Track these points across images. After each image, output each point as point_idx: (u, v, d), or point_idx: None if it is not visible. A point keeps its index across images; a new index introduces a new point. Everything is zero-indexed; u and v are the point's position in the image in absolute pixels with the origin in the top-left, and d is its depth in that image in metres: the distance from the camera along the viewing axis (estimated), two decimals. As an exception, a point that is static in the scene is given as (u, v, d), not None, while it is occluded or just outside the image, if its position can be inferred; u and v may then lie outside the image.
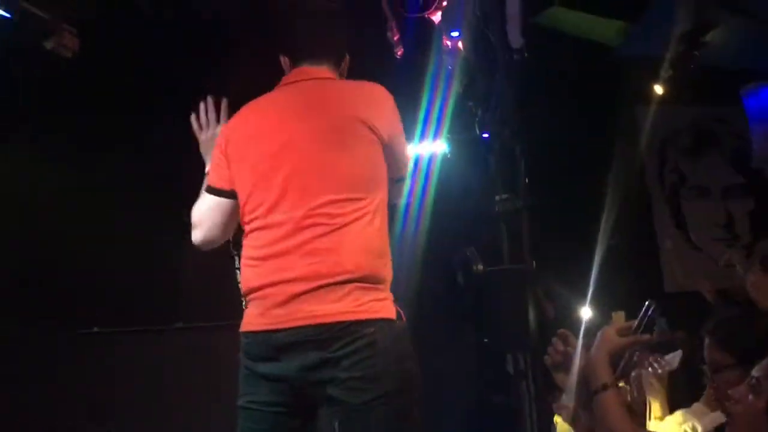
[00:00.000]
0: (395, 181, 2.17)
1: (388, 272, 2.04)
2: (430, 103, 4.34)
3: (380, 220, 2.05)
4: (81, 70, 4.01)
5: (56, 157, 4.51)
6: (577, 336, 1.86)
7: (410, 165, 2.27)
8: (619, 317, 1.69)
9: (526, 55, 4.22)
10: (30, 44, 3.43)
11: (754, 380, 1.43)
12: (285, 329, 1.96)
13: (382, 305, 1.98)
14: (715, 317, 2.27)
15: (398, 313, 2.01)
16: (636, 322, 1.66)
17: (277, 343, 1.97)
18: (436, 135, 4.82)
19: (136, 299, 4.50)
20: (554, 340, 1.71)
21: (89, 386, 4.17)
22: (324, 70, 2.18)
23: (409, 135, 5.04)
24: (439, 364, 4.84)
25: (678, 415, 2.61)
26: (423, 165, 4.83)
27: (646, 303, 1.67)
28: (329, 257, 1.96)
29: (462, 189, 5.08)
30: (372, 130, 2.04)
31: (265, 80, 2.27)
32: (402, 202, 2.34)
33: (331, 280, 1.94)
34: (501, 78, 4.48)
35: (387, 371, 1.92)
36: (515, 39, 4.02)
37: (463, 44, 3.96)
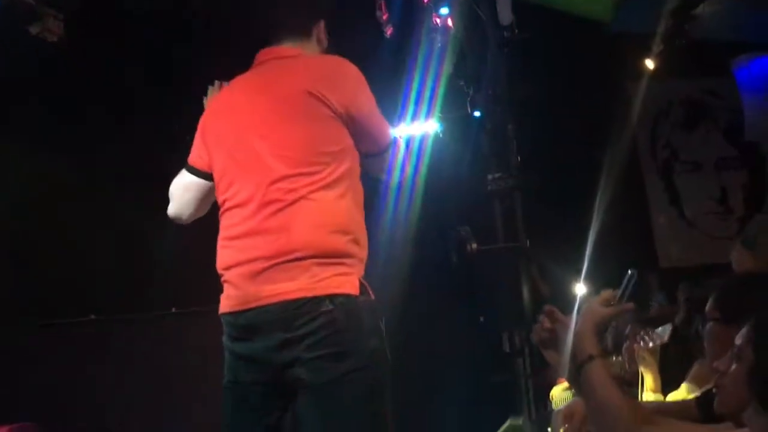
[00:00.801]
0: (368, 155, 2.10)
1: (351, 247, 1.97)
2: (422, 82, 4.31)
3: (340, 194, 1.99)
4: (68, 60, 3.98)
5: (44, 147, 4.47)
6: (570, 312, 1.86)
7: (388, 139, 2.12)
8: (607, 293, 1.68)
9: (516, 32, 4.20)
10: (16, 28, 3.39)
11: (736, 349, 1.44)
12: (249, 309, 1.97)
13: (342, 280, 1.92)
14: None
15: (363, 287, 1.95)
16: (619, 292, 1.65)
17: (245, 323, 1.98)
18: (427, 114, 4.81)
19: (129, 286, 4.50)
20: (540, 317, 1.70)
21: (88, 373, 4.19)
22: (287, 48, 2.15)
23: (400, 115, 5.04)
24: (435, 344, 4.86)
25: (682, 389, 2.63)
26: (415, 144, 4.82)
27: (628, 272, 1.66)
28: (282, 234, 1.95)
29: (455, 168, 5.07)
30: (323, 101, 1.99)
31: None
32: (392, 178, 2.17)
33: (285, 258, 1.92)
34: (492, 56, 4.47)
35: (349, 349, 1.88)
36: (505, 16, 3.99)
37: (452, 22, 3.92)
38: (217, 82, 2.34)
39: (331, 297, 1.90)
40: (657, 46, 4.59)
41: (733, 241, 3.04)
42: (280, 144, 2.02)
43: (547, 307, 1.71)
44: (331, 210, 1.97)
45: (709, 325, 1.95)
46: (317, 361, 1.89)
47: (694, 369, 2.61)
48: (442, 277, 4.99)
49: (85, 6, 3.78)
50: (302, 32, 2.16)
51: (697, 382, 2.56)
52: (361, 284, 1.95)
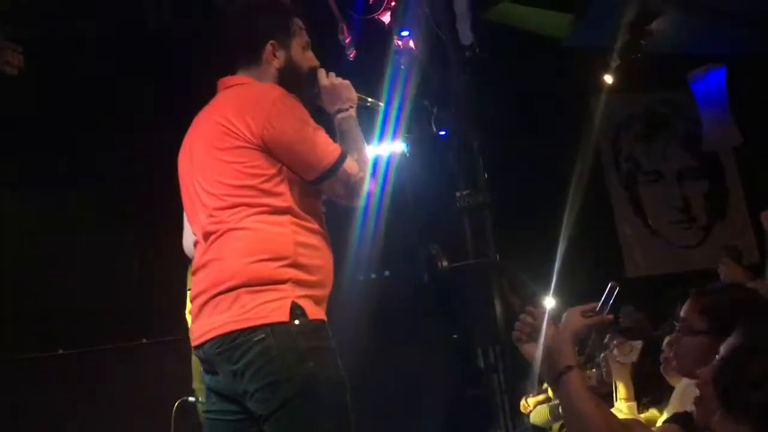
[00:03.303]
0: (308, 182, 2.02)
1: (285, 272, 1.93)
2: (387, 104, 4.35)
3: (276, 221, 1.96)
4: (40, 97, 3.94)
5: (17, 182, 4.42)
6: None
7: (324, 164, 1.98)
8: (589, 305, 1.72)
9: (477, 51, 4.28)
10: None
11: (722, 360, 1.46)
12: (200, 345, 1.99)
13: (273, 307, 1.90)
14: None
15: (297, 310, 1.90)
16: (600, 304, 1.69)
17: (203, 357, 2.00)
18: (394, 135, 4.85)
19: (97, 319, 4.43)
20: (522, 315, 1.73)
21: (57, 407, 4.11)
22: (238, 77, 2.15)
23: (366, 137, 5.06)
24: (410, 362, 4.85)
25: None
26: (382, 165, 4.85)
27: (610, 284, 1.69)
28: (216, 266, 1.97)
29: (423, 187, 5.11)
30: (233, 131, 1.97)
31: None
32: (358, 203, 2.06)
33: (218, 290, 1.93)
34: (454, 75, 4.53)
35: (284, 377, 1.86)
36: (466, 36, 4.06)
37: (414, 43, 3.98)
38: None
39: (263, 326, 1.89)
40: (614, 61, 4.69)
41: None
42: (207, 179, 2.03)
43: (528, 308, 1.74)
44: (260, 237, 1.95)
45: (689, 338, 1.92)
46: (258, 393, 1.89)
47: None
48: (415, 295, 5.00)
49: (42, 36, 3.75)
50: (251, 57, 2.13)
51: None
52: (295, 307, 1.91)
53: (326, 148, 2.01)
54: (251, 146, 1.98)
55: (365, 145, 2.12)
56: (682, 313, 1.96)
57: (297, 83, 2.12)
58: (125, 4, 4.15)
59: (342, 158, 2.01)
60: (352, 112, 2.14)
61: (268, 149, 1.98)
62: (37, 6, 3.75)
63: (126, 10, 4.19)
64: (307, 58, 2.16)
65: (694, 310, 1.94)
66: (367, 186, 2.05)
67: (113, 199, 4.51)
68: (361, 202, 2.06)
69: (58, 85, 4.30)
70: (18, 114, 4.18)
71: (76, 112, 4.45)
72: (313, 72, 2.15)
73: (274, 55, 2.12)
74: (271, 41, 2.12)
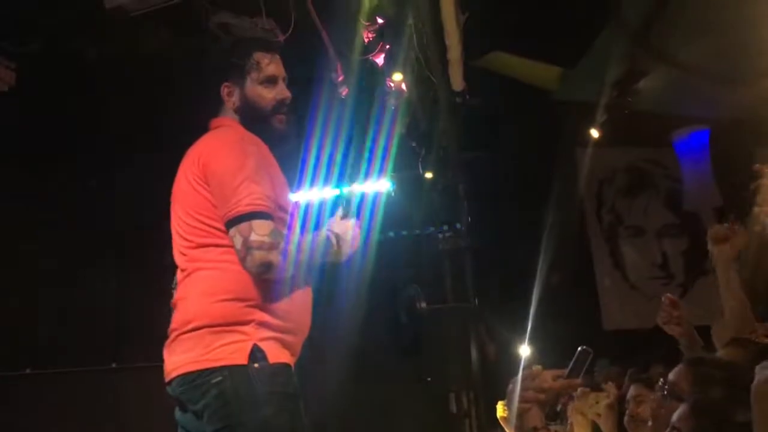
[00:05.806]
0: (224, 223, 1.91)
1: (249, 312, 1.91)
2: (374, 142, 4.40)
3: (236, 263, 1.91)
4: (13, 106, 3.93)
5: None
6: (515, 373, 1.89)
7: (242, 207, 1.88)
8: (537, 370, 1.73)
9: (467, 97, 4.34)
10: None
11: (674, 430, 1.48)
12: (169, 382, 1.99)
13: (233, 349, 1.88)
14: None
15: (258, 354, 1.88)
16: (569, 367, 1.70)
17: (171, 395, 1.99)
18: (380, 173, 4.88)
19: (70, 340, 4.38)
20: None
21: (22, 427, 4.03)
22: (217, 119, 2.17)
23: (353, 173, 5.11)
24: (382, 403, 4.82)
25: None
26: (368, 202, 4.87)
27: (579, 349, 1.70)
28: (182, 305, 1.98)
29: (406, 227, 5.14)
30: (197, 172, 2.01)
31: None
32: (252, 269, 1.87)
33: (184, 329, 1.94)
34: (443, 119, 4.59)
35: (239, 422, 1.84)
36: (457, 82, 4.13)
37: (405, 86, 4.04)
38: None
39: (221, 369, 1.87)
40: (601, 116, 4.77)
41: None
42: (178, 220, 2.06)
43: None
44: (225, 276, 1.94)
45: (676, 401, 1.94)
46: None
47: None
48: (391, 336, 4.98)
49: (41, 55, 3.76)
50: (218, 99, 2.15)
51: None
52: (255, 351, 1.89)
53: (248, 197, 1.90)
54: (206, 189, 1.99)
55: (313, 264, 2.01)
56: (671, 377, 1.98)
57: (259, 117, 2.12)
58: (122, 24, 4.17)
59: (255, 215, 1.88)
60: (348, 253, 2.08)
61: (211, 189, 1.97)
62: (31, 23, 3.76)
63: (123, 31, 4.21)
64: (269, 92, 2.11)
65: (685, 378, 1.94)
66: (274, 258, 1.87)
67: (93, 220, 4.48)
68: (256, 270, 1.89)
69: (48, 102, 4.30)
70: (2, 127, 4.17)
71: (62, 128, 4.44)
72: (280, 104, 2.12)
73: (229, 96, 2.13)
74: (225, 83, 2.13)
